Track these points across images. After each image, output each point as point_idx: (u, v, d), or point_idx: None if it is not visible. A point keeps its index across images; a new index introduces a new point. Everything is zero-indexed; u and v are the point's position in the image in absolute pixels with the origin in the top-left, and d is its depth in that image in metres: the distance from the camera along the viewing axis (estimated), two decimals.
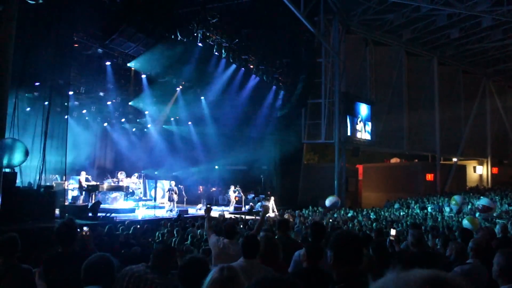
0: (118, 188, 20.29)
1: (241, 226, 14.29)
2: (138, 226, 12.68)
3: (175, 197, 20.80)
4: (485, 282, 4.24)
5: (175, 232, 11.92)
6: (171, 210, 19.75)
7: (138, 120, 26.90)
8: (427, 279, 0.82)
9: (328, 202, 22.60)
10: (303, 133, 30.96)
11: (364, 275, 2.77)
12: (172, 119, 28.28)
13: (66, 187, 17.36)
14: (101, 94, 22.94)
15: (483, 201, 19.80)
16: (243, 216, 18.01)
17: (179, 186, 23.99)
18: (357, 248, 2.93)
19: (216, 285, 2.31)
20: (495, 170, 39.42)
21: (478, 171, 39.96)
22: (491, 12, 25.62)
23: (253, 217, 19.06)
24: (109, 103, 24.13)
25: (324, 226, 6.28)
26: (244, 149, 27.81)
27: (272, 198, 22.88)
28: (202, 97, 26.95)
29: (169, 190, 21.44)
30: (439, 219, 19.59)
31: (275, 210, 22.41)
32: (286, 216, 18.90)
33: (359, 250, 2.92)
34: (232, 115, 26.21)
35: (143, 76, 23.58)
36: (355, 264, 2.76)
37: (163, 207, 21.24)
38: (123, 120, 26.22)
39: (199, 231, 11.76)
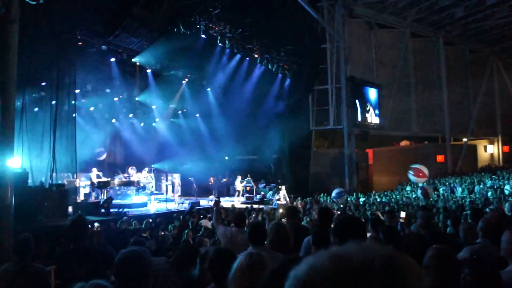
0: (129, 183, 20.41)
1: (253, 215, 14.36)
2: (151, 220, 12.80)
3: (178, 188, 21.00)
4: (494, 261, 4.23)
5: (189, 224, 12.03)
6: (182, 203, 19.85)
7: (145, 115, 26.97)
8: (380, 250, 0.83)
9: (333, 194, 22.48)
10: (311, 120, 30.90)
11: None
12: (179, 112, 28.32)
13: (77, 185, 17.50)
14: (108, 90, 23.00)
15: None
16: (251, 206, 18.04)
17: (190, 178, 24.11)
18: (359, 231, 2.95)
19: (245, 271, 2.34)
20: (506, 148, 39.01)
21: (489, 150, 39.59)
22: None
23: (266, 206, 19.13)
24: (116, 99, 24.18)
25: (332, 211, 6.29)
26: (252, 138, 27.85)
27: (283, 187, 22.87)
28: (209, 89, 26.97)
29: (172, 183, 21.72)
30: (450, 200, 19.55)
31: (287, 198, 22.45)
32: (296, 204, 18.99)
33: (361, 234, 2.94)
34: (239, 105, 26.20)
35: (148, 70, 23.61)
36: None
37: (174, 200, 21.39)
38: (131, 115, 26.31)
39: (211, 222, 11.85)
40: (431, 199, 18.57)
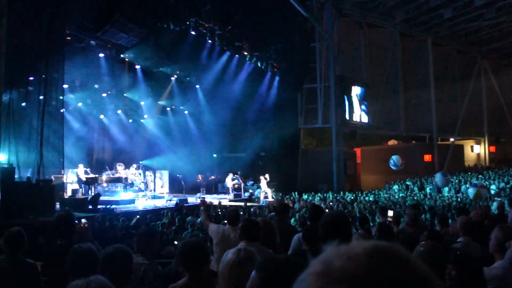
0: (117, 180, 20.30)
1: (241, 213, 14.35)
2: (138, 217, 12.75)
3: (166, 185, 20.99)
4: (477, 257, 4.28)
5: (176, 221, 11.99)
6: (170, 200, 19.80)
7: (134, 111, 26.81)
8: (369, 250, 0.81)
9: (437, 177, 22.34)
10: (299, 118, 30.95)
11: None
12: (168, 109, 28.20)
13: (65, 181, 17.36)
14: (96, 86, 22.85)
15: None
16: (245, 204, 18.04)
17: (178, 175, 24.05)
18: (345, 227, 3.00)
19: (233, 266, 2.34)
20: (492, 148, 39.45)
21: (476, 150, 39.99)
22: None
23: (254, 204, 19.14)
24: (104, 95, 24.03)
25: (323, 208, 6.31)
26: (241, 136, 27.88)
27: (263, 178, 22.72)
28: (197, 86, 26.89)
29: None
30: (437, 200, 19.71)
31: (267, 191, 22.48)
32: (289, 203, 19.04)
33: (346, 229, 2.99)
34: (228, 102, 26.19)
35: (137, 67, 23.50)
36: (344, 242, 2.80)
37: (163, 197, 21.34)
38: (119, 112, 26.12)
39: (199, 219, 11.81)
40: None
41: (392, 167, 23.98)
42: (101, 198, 16.38)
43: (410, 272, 0.79)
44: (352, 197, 22.51)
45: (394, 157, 24.19)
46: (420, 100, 35.00)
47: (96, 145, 26.21)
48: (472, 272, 2.90)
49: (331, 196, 23.21)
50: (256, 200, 22.30)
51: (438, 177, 22.24)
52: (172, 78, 25.62)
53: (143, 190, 21.27)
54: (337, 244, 0.87)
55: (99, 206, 15.37)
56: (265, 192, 22.46)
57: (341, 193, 25.05)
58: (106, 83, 22.64)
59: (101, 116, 25.57)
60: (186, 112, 28.48)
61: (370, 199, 21.01)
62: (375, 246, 0.82)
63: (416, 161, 34.29)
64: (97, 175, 19.32)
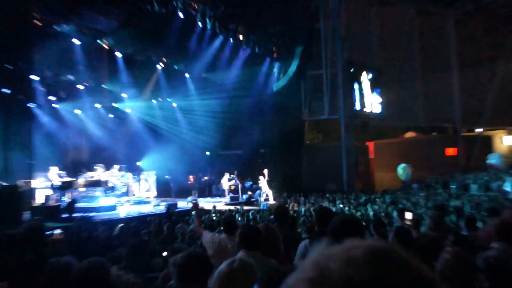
0: (96, 184, 20.23)
1: (239, 218, 14.30)
2: (121, 225, 12.69)
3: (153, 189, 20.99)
4: None
5: (165, 229, 11.93)
6: (158, 205, 19.75)
7: (115, 104, 26.73)
8: (368, 253, 0.83)
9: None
10: (303, 110, 30.87)
11: None
12: (154, 101, 28.14)
13: (34, 186, 17.25)
14: (71, 77, 22.75)
15: None
16: (238, 207, 18.03)
17: (166, 177, 24.01)
18: (357, 231, 2.93)
19: (223, 278, 2.31)
20: None
21: (507, 141, 39.77)
22: None
23: (253, 208, 19.11)
24: (80, 87, 23.93)
25: (332, 211, 6.26)
26: (238, 131, 27.81)
27: (262, 178, 22.67)
28: (187, 75, 26.82)
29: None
30: (464, 199, 19.63)
31: (268, 192, 22.45)
32: (293, 206, 18.98)
33: (359, 234, 2.92)
34: (222, 93, 26.15)
35: (118, 54, 23.40)
36: None
37: (149, 202, 21.31)
38: (97, 105, 26.05)
39: (191, 226, 11.76)
40: None
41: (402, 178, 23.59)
42: (78, 205, 16.32)
43: (415, 276, 0.83)
44: (367, 198, 22.46)
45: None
46: (441, 85, 34.77)
47: (71, 144, 26.10)
48: (510, 283, 2.82)
49: (340, 196, 23.16)
50: (256, 203, 22.28)
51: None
52: (158, 67, 25.55)
53: (127, 195, 21.24)
54: (326, 244, 0.91)
55: (75, 215, 15.31)
56: (266, 193, 22.44)
57: (352, 193, 25.02)
58: (82, 73, 22.53)
59: (77, 111, 25.48)
60: (174, 105, 28.45)
61: (386, 199, 20.99)
62: (373, 249, 0.85)
63: (437, 156, 34.25)
64: (72, 179, 19.25)
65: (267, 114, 28.54)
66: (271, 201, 21.72)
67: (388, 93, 31.98)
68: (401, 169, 23.63)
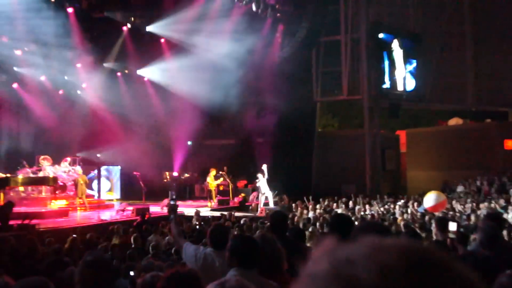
0: (40, 181, 20.19)
1: (231, 228, 14.30)
2: (75, 236, 12.67)
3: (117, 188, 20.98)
4: None
5: (132, 241, 11.94)
6: (123, 210, 19.76)
7: (65, 78, 26.56)
8: (406, 260, 0.82)
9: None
10: (314, 87, 30.87)
11: None
12: (118, 74, 28.00)
13: None
14: (4, 39, 22.59)
15: None
16: (230, 213, 18.03)
17: (134, 173, 23.96)
18: None
19: None
20: None
21: None
22: None
23: (248, 214, 19.15)
24: (18, 52, 23.77)
25: (351, 219, 6.24)
26: (229, 114, 27.71)
27: (260, 175, 22.64)
28: (162, 40, 26.70)
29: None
30: None
31: (268, 194, 22.42)
32: (298, 209, 19.04)
33: None
34: (208, 63, 26.03)
35: (69, 9, 23.20)
36: None
37: (112, 206, 21.34)
38: (42, 78, 25.86)
39: (167, 238, 11.78)
40: None
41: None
42: (16, 209, 16.28)
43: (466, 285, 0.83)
44: (396, 203, 22.46)
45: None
46: (499, 59, 34.61)
47: (7, 129, 25.95)
48: None
49: (361, 201, 23.19)
50: (251, 207, 22.30)
51: None
52: (124, 28, 25.42)
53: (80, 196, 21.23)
54: (342, 240, 0.90)
55: (11, 222, 15.26)
56: (264, 196, 22.38)
57: (377, 197, 25.07)
58: (20, 33, 22.30)
59: (14, 85, 25.32)
60: (145, 79, 28.29)
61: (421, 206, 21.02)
62: (411, 252, 0.85)
63: (492, 149, 34.10)
64: (8, 175, 19.20)
65: (267, 92, 28.45)
66: (271, 206, 21.72)
67: (428, 67, 31.91)
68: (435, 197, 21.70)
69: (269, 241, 4.49)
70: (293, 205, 21.66)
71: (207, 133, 29.02)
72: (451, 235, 7.94)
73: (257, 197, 22.99)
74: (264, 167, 22.79)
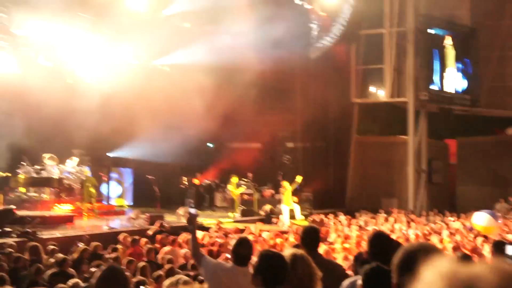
0: (44, 183, 20.34)
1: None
2: (81, 245, 12.78)
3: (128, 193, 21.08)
4: None
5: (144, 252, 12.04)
6: (135, 218, 19.83)
7: (60, 59, 26.51)
8: None
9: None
10: (352, 87, 30.84)
11: None
12: (129, 57, 27.96)
13: None
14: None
15: None
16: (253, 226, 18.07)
17: (148, 177, 24.02)
18: None
19: None
20: None
21: None
22: None
23: (274, 228, 19.18)
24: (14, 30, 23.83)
25: (391, 239, 6.25)
26: (254, 114, 27.69)
27: (286, 184, 22.60)
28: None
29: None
30: None
31: (294, 207, 22.37)
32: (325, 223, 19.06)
33: None
34: (230, 54, 26.00)
35: None
36: None
37: (123, 212, 21.45)
38: (39, 57, 25.82)
39: (183, 251, 11.86)
40: None
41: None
42: (17, 213, 16.41)
43: None
44: (454, 222, 22.34)
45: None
46: None
47: (6, 123, 26.06)
48: None
49: (403, 218, 23.12)
50: (276, 222, 22.34)
51: None
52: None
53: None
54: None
55: (9, 229, 15.36)
56: (289, 208, 22.30)
57: (422, 213, 24.96)
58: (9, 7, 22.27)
59: (11, 63, 25.36)
60: (162, 66, 28.21)
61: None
62: None
63: None
64: (8, 174, 19.35)
65: (298, 91, 28.45)
66: (298, 219, 21.68)
67: (485, 66, 31.67)
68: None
69: (301, 259, 4.45)
70: (324, 219, 21.61)
71: (228, 135, 28.93)
72: (509, 261, 7.85)
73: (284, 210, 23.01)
74: (298, 179, 22.81)
